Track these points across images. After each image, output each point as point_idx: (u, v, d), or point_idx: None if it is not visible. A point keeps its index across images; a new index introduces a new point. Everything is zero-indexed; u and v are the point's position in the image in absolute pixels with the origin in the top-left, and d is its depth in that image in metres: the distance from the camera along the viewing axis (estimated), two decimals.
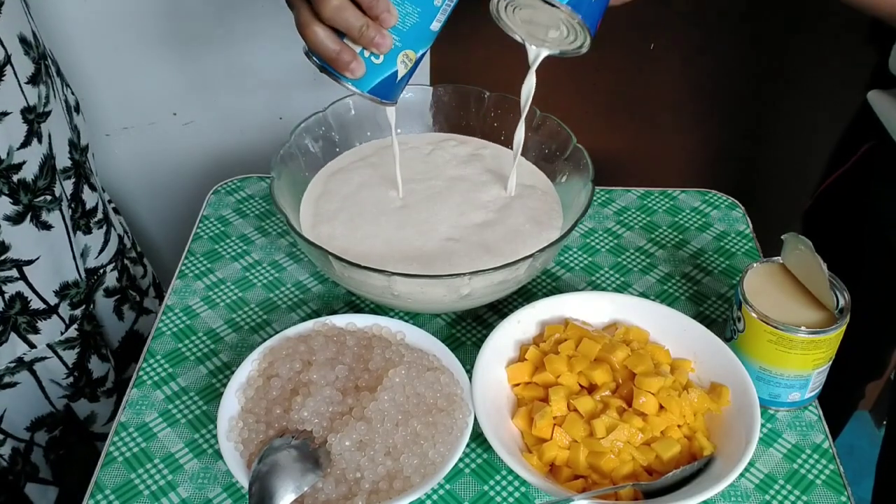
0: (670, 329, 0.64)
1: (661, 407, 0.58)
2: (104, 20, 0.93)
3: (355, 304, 0.73)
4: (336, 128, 0.79)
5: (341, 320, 0.65)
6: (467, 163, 0.78)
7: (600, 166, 0.71)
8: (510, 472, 0.60)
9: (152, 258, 1.18)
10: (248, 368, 0.61)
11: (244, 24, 0.95)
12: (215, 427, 0.62)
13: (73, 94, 0.85)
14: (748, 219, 0.84)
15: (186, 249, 0.79)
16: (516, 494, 0.58)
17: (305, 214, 0.73)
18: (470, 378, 0.60)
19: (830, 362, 0.61)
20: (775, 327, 0.59)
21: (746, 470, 0.60)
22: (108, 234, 0.87)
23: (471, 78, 0.83)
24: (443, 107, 0.82)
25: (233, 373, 0.61)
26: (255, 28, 0.96)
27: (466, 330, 0.71)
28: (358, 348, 0.62)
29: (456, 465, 0.60)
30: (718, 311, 0.73)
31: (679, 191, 0.87)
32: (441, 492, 0.58)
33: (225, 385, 0.66)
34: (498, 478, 0.59)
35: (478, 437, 0.62)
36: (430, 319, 0.72)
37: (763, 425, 0.63)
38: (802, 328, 0.58)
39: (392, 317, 0.69)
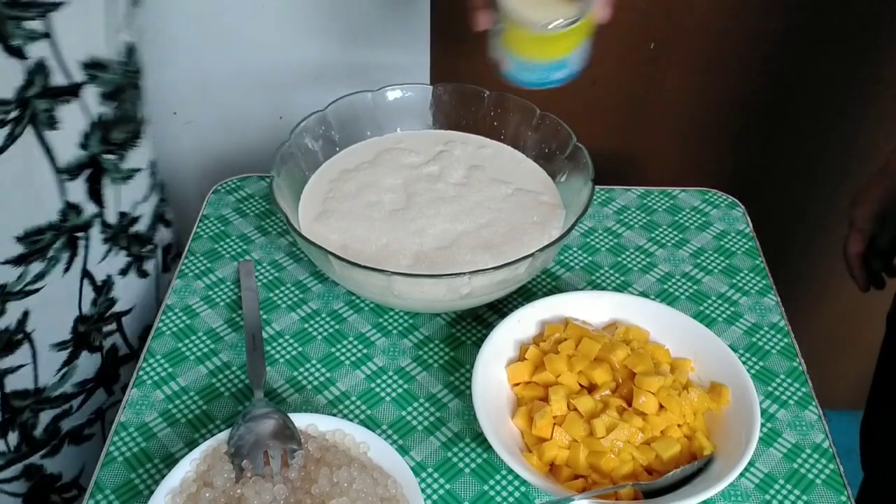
0: (670, 329, 0.64)
1: (661, 406, 0.58)
2: None
3: (355, 303, 0.74)
4: (336, 127, 0.79)
5: (302, 420, 0.58)
6: (468, 162, 0.78)
7: (600, 165, 0.71)
8: (510, 471, 0.60)
9: None
10: (185, 468, 0.56)
11: (244, 23, 0.95)
12: (215, 427, 0.63)
13: None
14: (748, 218, 0.84)
15: (186, 249, 0.79)
16: (516, 494, 0.58)
17: (305, 213, 0.73)
18: (470, 384, 0.60)
19: (589, 39, 0.64)
20: (530, 26, 0.61)
21: (746, 470, 0.60)
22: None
23: (471, 77, 0.83)
24: (443, 106, 0.82)
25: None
26: (256, 27, 0.96)
27: (466, 330, 0.71)
28: (307, 460, 0.56)
29: (456, 465, 0.60)
30: (718, 310, 0.73)
31: (679, 190, 0.87)
32: (441, 492, 0.58)
33: (225, 385, 0.66)
34: (498, 477, 0.59)
35: (478, 437, 0.62)
36: (430, 319, 0.72)
37: (763, 425, 0.63)
38: (551, 22, 0.60)
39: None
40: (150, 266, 0.75)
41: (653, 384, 0.58)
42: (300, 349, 0.69)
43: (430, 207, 0.73)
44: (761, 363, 0.68)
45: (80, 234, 0.66)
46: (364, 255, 0.68)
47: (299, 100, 1.02)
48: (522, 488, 0.59)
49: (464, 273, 0.61)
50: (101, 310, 0.70)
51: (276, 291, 0.75)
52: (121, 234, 0.70)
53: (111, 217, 0.68)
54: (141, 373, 0.67)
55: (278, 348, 0.69)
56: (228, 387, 0.66)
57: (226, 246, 0.80)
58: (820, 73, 1.07)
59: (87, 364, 0.72)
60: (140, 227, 0.71)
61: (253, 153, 1.07)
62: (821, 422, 0.64)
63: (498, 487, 0.59)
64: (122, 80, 0.65)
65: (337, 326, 0.71)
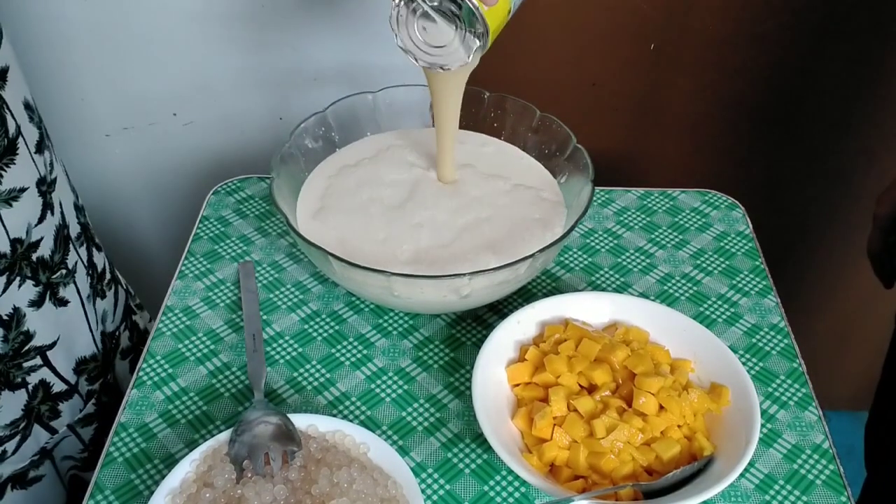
0: (670, 329, 0.64)
1: (661, 407, 0.58)
2: (104, 20, 0.93)
3: (355, 304, 0.74)
4: (336, 128, 0.79)
5: (302, 421, 0.59)
6: (467, 160, 0.78)
7: (600, 167, 0.71)
8: (510, 472, 0.60)
9: (152, 259, 1.18)
10: (185, 469, 0.56)
11: (244, 23, 0.95)
12: (215, 428, 0.63)
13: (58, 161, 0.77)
14: (748, 219, 0.84)
15: (186, 250, 0.79)
16: (516, 494, 0.58)
17: (304, 214, 0.73)
18: (470, 385, 0.60)
19: None
20: None
21: (746, 470, 0.60)
22: (117, 293, 0.81)
23: (471, 78, 0.83)
24: None
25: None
26: (256, 28, 0.96)
27: (466, 330, 0.71)
28: (307, 460, 0.56)
29: (456, 465, 0.60)
30: (718, 311, 0.73)
31: (679, 191, 0.87)
32: (441, 492, 0.58)
33: (225, 386, 0.66)
34: (498, 478, 0.59)
35: (478, 437, 0.62)
36: (430, 320, 0.72)
37: (763, 425, 0.63)
38: None
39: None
40: (68, 293, 0.69)
41: (653, 385, 0.58)
42: (300, 350, 0.69)
43: (431, 207, 0.73)
44: (761, 364, 0.68)
45: None
46: (363, 250, 0.68)
47: (299, 100, 1.02)
48: (522, 489, 0.59)
49: (464, 274, 0.61)
50: (16, 345, 0.65)
51: (277, 292, 0.75)
52: (21, 262, 0.63)
53: (2, 245, 0.61)
54: (141, 373, 0.67)
55: (278, 349, 0.69)
56: (228, 388, 0.66)
57: (226, 247, 0.80)
58: (820, 73, 1.07)
59: (12, 403, 0.66)
60: (43, 251, 0.65)
61: (253, 153, 1.07)
62: (821, 422, 0.64)
63: (498, 488, 0.59)
64: None
65: (337, 327, 0.71)
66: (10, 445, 0.67)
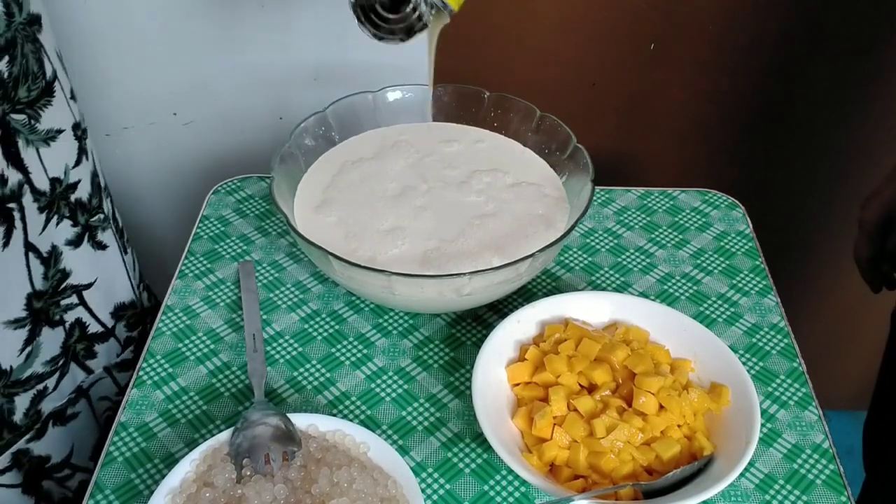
0: (670, 329, 0.64)
1: (661, 407, 0.58)
2: (104, 20, 0.93)
3: (355, 304, 0.74)
4: (336, 128, 0.79)
5: (302, 420, 0.59)
6: (470, 154, 0.78)
7: (600, 166, 0.71)
8: (510, 472, 0.60)
9: (152, 258, 1.18)
10: (185, 468, 0.56)
11: (244, 23, 0.95)
12: (215, 427, 0.63)
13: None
14: (748, 219, 0.84)
15: (186, 249, 0.79)
16: (516, 494, 0.58)
17: (304, 213, 0.73)
18: (470, 386, 0.60)
19: None
20: None
21: (746, 470, 0.60)
22: (134, 252, 0.85)
23: (471, 79, 0.83)
24: (443, 106, 0.82)
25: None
26: (256, 28, 0.96)
27: (466, 330, 0.71)
28: (307, 460, 0.56)
29: (456, 465, 0.60)
30: (718, 311, 0.73)
31: (679, 191, 0.87)
32: (441, 492, 0.58)
33: (225, 385, 0.66)
34: (498, 478, 0.59)
35: (478, 437, 0.62)
36: (431, 319, 0.72)
37: (763, 425, 0.63)
38: None
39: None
40: (106, 237, 0.72)
41: (653, 384, 0.58)
42: (300, 349, 0.69)
43: (431, 207, 0.73)
44: (761, 363, 0.68)
45: (11, 206, 0.64)
46: (365, 244, 0.68)
47: (299, 100, 1.02)
48: (522, 488, 0.59)
49: (464, 274, 0.61)
50: (54, 283, 0.68)
51: (277, 292, 0.75)
52: (59, 201, 0.67)
53: (41, 183, 0.66)
54: (141, 373, 0.67)
55: (278, 349, 0.69)
56: (228, 387, 0.66)
57: (226, 246, 0.80)
58: (820, 72, 1.07)
59: (51, 340, 0.70)
60: (80, 193, 0.69)
61: (253, 153, 1.07)
62: (821, 422, 0.64)
63: (498, 488, 0.59)
64: (9, 34, 0.62)
65: (337, 327, 0.71)
66: (50, 382, 0.70)
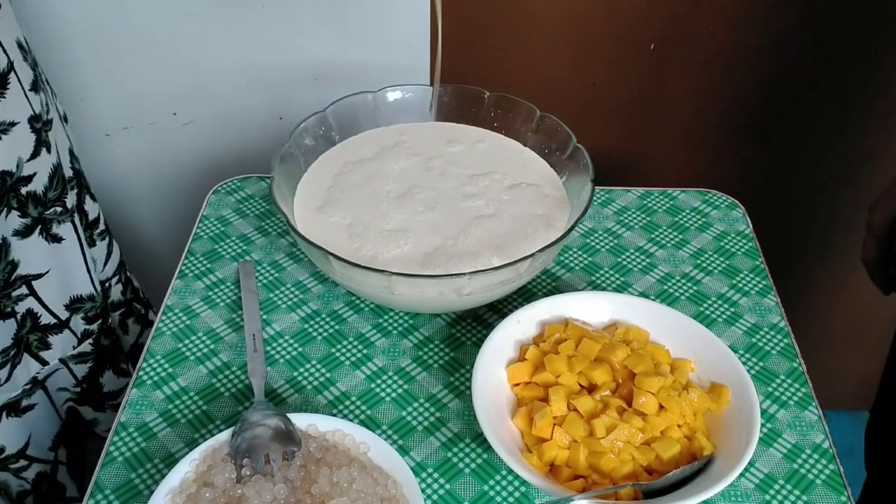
0: (670, 329, 0.64)
1: (661, 407, 0.58)
2: (104, 20, 0.93)
3: (355, 304, 0.74)
4: (336, 128, 0.79)
5: (302, 420, 0.59)
6: (468, 159, 0.78)
7: (600, 166, 0.71)
8: (510, 472, 0.60)
9: (152, 258, 1.18)
10: (185, 468, 0.56)
11: (244, 23, 0.95)
12: (215, 427, 0.63)
13: (59, 103, 0.82)
14: (748, 219, 0.84)
15: (186, 249, 0.79)
16: (516, 494, 0.58)
17: (304, 213, 0.73)
18: (470, 386, 0.60)
19: None
20: None
21: (746, 470, 0.60)
22: (110, 245, 0.84)
23: (471, 79, 0.83)
24: (443, 107, 0.82)
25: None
26: (256, 28, 0.96)
27: (466, 330, 0.71)
28: (307, 460, 0.56)
29: (456, 465, 0.60)
30: (718, 311, 0.73)
31: (679, 191, 0.87)
32: (441, 492, 0.58)
33: (225, 385, 0.66)
34: (498, 478, 0.59)
35: (478, 437, 0.62)
36: (431, 319, 0.72)
37: (763, 425, 0.63)
38: None
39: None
40: (64, 230, 0.71)
41: (653, 384, 0.58)
42: (300, 349, 0.69)
43: (431, 206, 0.73)
44: (761, 364, 0.68)
45: None
46: (367, 244, 0.68)
47: (299, 100, 1.02)
48: (522, 488, 0.59)
49: (464, 273, 0.61)
50: (5, 275, 0.68)
51: (277, 292, 0.75)
52: (8, 193, 0.66)
53: None
54: (141, 373, 0.67)
55: (278, 349, 0.69)
56: (228, 387, 0.66)
57: (226, 246, 0.80)
58: (821, 72, 1.07)
59: (2, 331, 0.69)
60: (35, 186, 0.67)
61: (253, 153, 1.07)
62: (821, 422, 0.64)
63: (498, 488, 0.59)
64: None
65: (337, 327, 0.71)
66: (2, 373, 0.69)
